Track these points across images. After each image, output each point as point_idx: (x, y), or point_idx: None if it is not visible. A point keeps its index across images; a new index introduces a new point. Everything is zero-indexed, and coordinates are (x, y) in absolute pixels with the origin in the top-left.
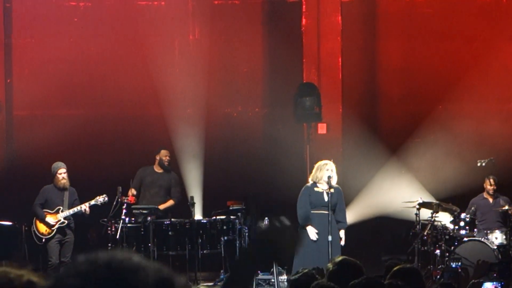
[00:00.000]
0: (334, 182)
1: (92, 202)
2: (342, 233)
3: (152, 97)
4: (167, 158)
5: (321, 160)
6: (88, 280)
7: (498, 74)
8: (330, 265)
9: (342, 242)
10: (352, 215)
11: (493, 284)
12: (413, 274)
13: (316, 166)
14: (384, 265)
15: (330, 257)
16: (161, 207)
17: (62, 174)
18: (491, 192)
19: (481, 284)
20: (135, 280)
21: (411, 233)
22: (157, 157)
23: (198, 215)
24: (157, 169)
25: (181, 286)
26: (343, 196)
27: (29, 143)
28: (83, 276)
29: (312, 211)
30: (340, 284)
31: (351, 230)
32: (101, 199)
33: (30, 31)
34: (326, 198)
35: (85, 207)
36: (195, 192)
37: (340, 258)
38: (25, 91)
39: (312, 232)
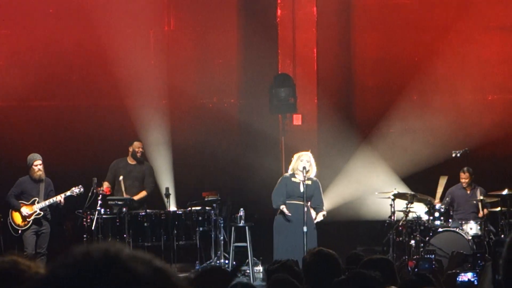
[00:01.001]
0: (313, 173)
1: (68, 193)
2: (319, 214)
3: (127, 88)
4: (140, 149)
5: (298, 151)
6: (83, 271)
7: (473, 65)
8: (307, 256)
9: (316, 219)
10: (327, 206)
11: (465, 274)
12: (385, 264)
13: (294, 157)
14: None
15: (305, 248)
16: (136, 197)
17: (38, 166)
18: (464, 185)
19: (457, 275)
20: (130, 270)
21: (386, 224)
22: (130, 149)
23: (173, 207)
24: (131, 161)
25: (175, 276)
26: (321, 189)
27: (4, 134)
28: (78, 266)
29: (288, 201)
30: (316, 274)
31: (326, 220)
32: (76, 190)
33: (5, 22)
34: (302, 189)
35: (60, 198)
36: (170, 183)
37: (316, 249)
38: (1, 82)
39: (285, 211)
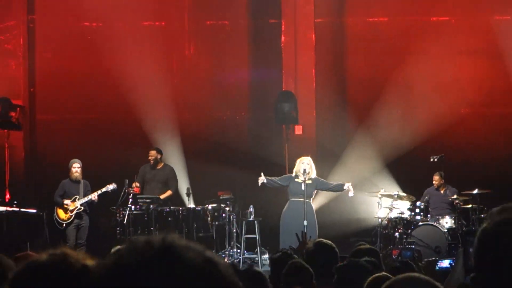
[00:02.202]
0: (313, 174)
1: (104, 189)
2: (348, 188)
3: (154, 103)
4: (150, 157)
5: (300, 156)
6: (144, 257)
7: (448, 84)
8: (309, 246)
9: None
10: (325, 201)
11: (443, 261)
12: (372, 253)
13: (297, 161)
14: (351, 245)
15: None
16: (162, 196)
17: (75, 168)
18: (435, 186)
19: (436, 262)
20: (184, 257)
21: (374, 218)
22: None
23: (192, 204)
24: (152, 166)
25: (224, 266)
26: (321, 181)
27: (49, 142)
28: (140, 253)
29: (292, 199)
30: (317, 261)
31: (325, 214)
32: (111, 186)
33: (50, 47)
34: (303, 188)
35: (95, 195)
36: (190, 184)
37: (317, 240)
38: (46, 98)
39: (261, 177)
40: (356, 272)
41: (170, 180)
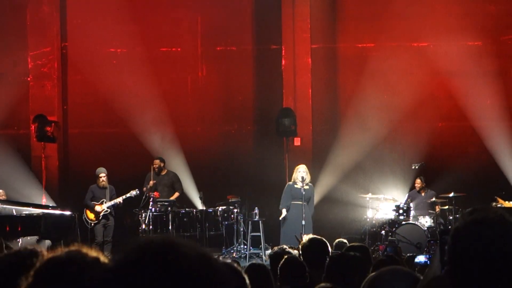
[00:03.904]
0: (308, 180)
1: (128, 194)
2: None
3: (171, 118)
4: (155, 166)
5: (298, 165)
6: (147, 253)
7: (427, 100)
8: (304, 242)
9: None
10: (320, 203)
11: (418, 257)
12: (363, 249)
13: (295, 169)
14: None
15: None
16: (172, 198)
17: (102, 177)
18: (417, 189)
19: (414, 257)
20: (181, 253)
21: (363, 218)
22: None
23: (204, 206)
24: (157, 173)
25: (215, 259)
26: (314, 192)
27: (79, 153)
28: (143, 249)
29: (292, 202)
30: (311, 255)
31: (320, 215)
32: (134, 192)
33: (80, 69)
34: (302, 192)
35: (120, 199)
36: (203, 189)
37: (310, 237)
38: (77, 114)
39: (283, 214)
40: (344, 262)
41: (175, 184)
